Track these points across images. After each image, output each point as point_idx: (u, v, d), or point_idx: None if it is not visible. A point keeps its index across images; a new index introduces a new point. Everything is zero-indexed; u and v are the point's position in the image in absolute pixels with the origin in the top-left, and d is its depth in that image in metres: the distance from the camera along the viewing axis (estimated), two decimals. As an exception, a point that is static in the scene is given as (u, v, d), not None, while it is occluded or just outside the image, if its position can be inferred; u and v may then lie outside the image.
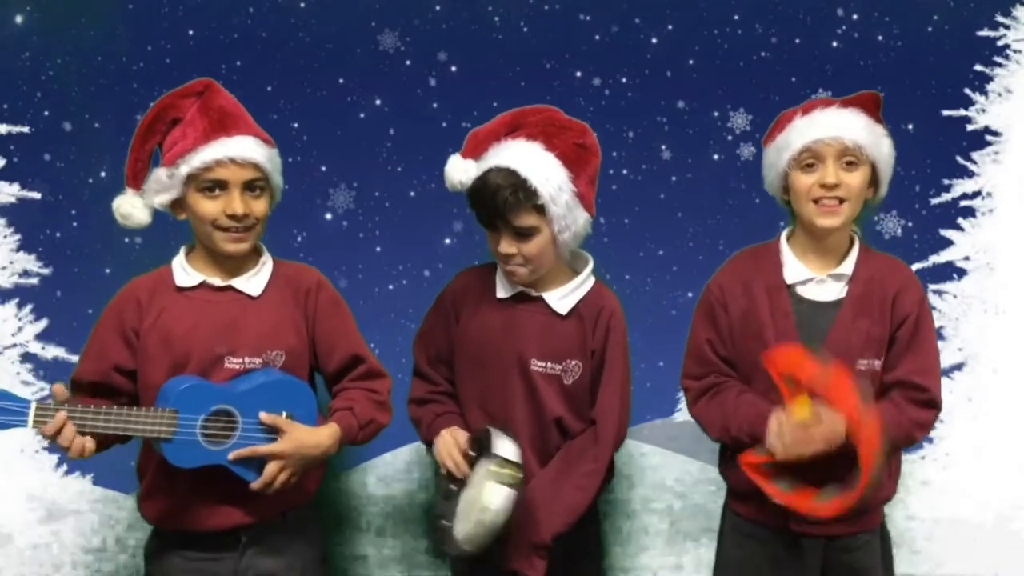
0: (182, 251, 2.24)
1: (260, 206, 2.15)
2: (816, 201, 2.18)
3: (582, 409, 2.31)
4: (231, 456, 2.07)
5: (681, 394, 2.81)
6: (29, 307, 2.78)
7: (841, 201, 2.17)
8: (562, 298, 2.30)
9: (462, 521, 2.12)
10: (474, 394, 2.33)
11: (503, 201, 2.15)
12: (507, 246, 2.21)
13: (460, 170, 2.27)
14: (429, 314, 2.44)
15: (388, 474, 2.88)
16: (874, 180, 2.23)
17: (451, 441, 2.23)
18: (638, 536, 2.92)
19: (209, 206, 2.11)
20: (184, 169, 2.10)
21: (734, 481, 2.32)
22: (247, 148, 2.12)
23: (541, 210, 2.18)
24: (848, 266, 2.24)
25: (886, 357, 2.20)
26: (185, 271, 2.20)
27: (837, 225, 2.19)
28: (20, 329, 2.78)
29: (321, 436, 2.14)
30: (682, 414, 2.83)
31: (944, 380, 2.88)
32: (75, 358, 2.74)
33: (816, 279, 2.23)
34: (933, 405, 2.20)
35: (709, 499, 2.87)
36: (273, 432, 2.11)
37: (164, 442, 2.03)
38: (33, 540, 2.80)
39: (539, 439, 2.28)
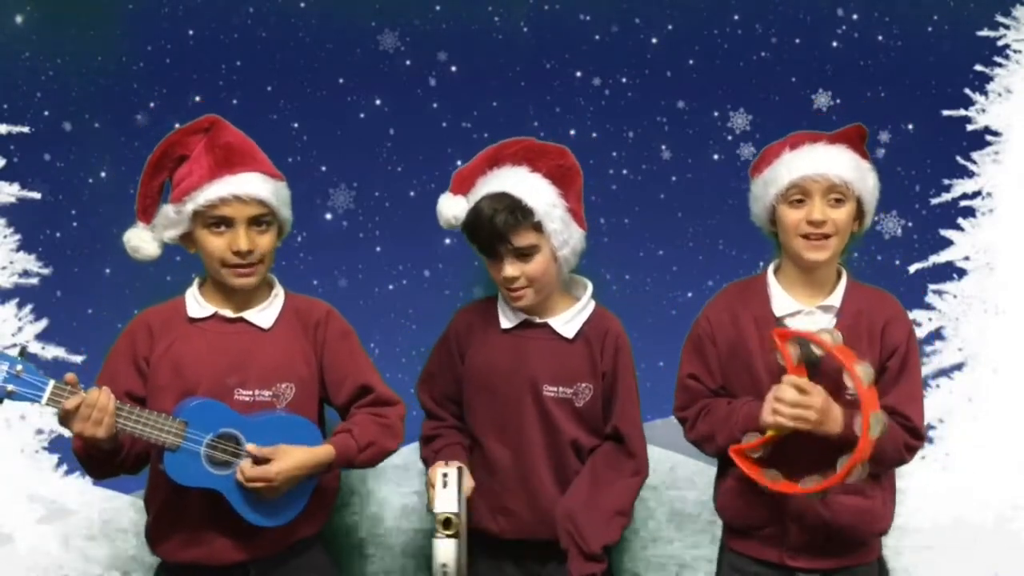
0: (195, 282, 2.27)
1: (266, 241, 2.17)
2: (804, 236, 2.20)
3: (593, 428, 2.35)
4: (239, 475, 2.07)
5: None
6: (29, 307, 2.78)
7: (828, 236, 2.18)
8: (567, 322, 2.34)
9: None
10: (489, 425, 2.36)
11: (502, 223, 2.20)
12: (511, 269, 2.24)
13: (451, 206, 2.30)
14: (433, 355, 2.46)
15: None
16: (859, 213, 2.24)
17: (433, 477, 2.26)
18: (640, 529, 2.92)
19: (215, 242, 2.14)
20: (190, 206, 2.12)
21: (730, 517, 2.33)
22: (252, 185, 2.14)
23: (539, 228, 2.23)
24: (836, 298, 2.24)
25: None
26: (198, 302, 2.22)
27: (824, 259, 2.20)
28: (20, 329, 2.78)
29: (313, 454, 2.13)
30: (682, 414, 2.82)
31: (944, 380, 2.90)
32: (75, 358, 2.77)
33: (804, 311, 2.23)
34: (917, 435, 2.21)
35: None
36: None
37: (168, 451, 2.04)
38: (33, 540, 2.80)
39: (556, 462, 2.32)
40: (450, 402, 2.43)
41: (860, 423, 2.01)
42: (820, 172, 2.17)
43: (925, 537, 2.85)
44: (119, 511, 2.83)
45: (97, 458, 2.11)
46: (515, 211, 2.20)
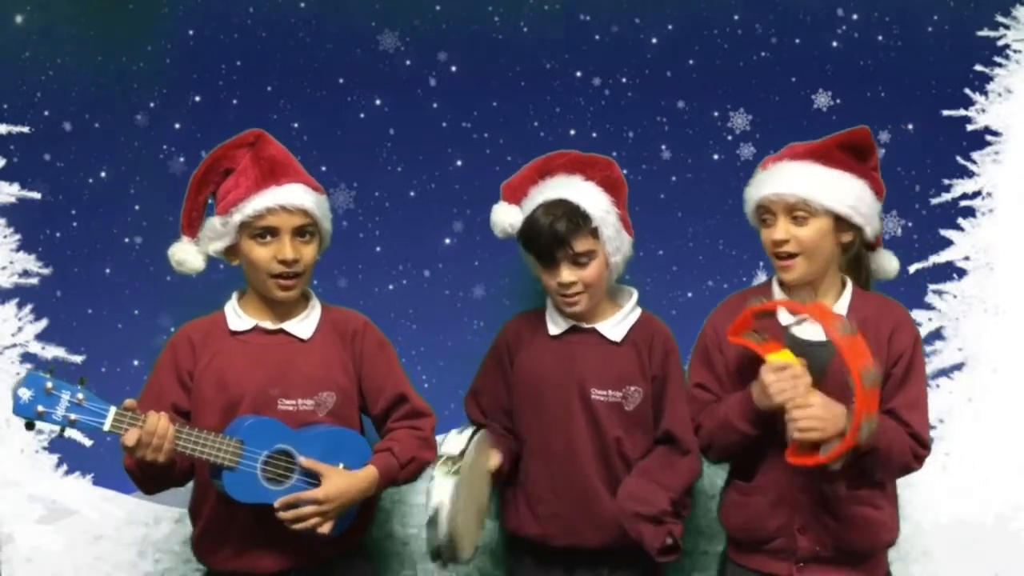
0: (234, 296, 2.32)
1: (309, 251, 2.24)
2: (774, 255, 2.21)
3: (642, 433, 2.36)
4: (276, 503, 2.11)
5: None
6: (29, 307, 2.78)
7: (793, 255, 2.18)
8: (615, 326, 2.38)
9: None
10: (538, 430, 2.37)
11: (563, 229, 2.24)
12: (568, 274, 2.28)
13: (507, 214, 2.36)
14: (483, 368, 2.50)
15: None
16: (850, 226, 2.21)
17: None
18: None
19: (261, 253, 2.19)
20: (237, 217, 2.18)
21: (734, 529, 2.32)
22: (296, 195, 2.20)
23: (595, 234, 2.28)
24: (841, 306, 2.25)
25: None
26: (238, 315, 2.27)
27: (793, 279, 2.22)
28: (20, 329, 2.78)
29: (359, 479, 2.19)
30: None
31: (944, 380, 2.90)
32: (76, 358, 2.77)
33: (810, 320, 2.24)
34: (921, 443, 2.20)
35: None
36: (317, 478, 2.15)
37: (227, 471, 2.07)
38: (33, 540, 2.80)
39: (605, 466, 2.34)
40: (500, 414, 2.45)
41: (851, 419, 2.00)
42: (776, 191, 2.20)
43: (925, 537, 2.85)
44: (119, 511, 2.82)
45: (150, 474, 2.14)
46: (574, 217, 2.25)
